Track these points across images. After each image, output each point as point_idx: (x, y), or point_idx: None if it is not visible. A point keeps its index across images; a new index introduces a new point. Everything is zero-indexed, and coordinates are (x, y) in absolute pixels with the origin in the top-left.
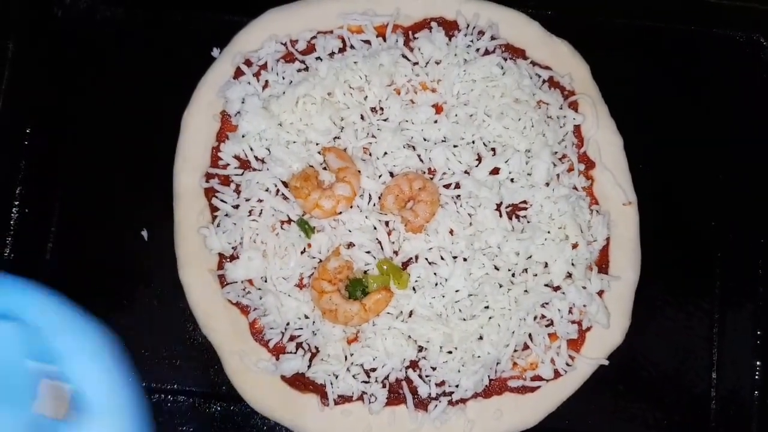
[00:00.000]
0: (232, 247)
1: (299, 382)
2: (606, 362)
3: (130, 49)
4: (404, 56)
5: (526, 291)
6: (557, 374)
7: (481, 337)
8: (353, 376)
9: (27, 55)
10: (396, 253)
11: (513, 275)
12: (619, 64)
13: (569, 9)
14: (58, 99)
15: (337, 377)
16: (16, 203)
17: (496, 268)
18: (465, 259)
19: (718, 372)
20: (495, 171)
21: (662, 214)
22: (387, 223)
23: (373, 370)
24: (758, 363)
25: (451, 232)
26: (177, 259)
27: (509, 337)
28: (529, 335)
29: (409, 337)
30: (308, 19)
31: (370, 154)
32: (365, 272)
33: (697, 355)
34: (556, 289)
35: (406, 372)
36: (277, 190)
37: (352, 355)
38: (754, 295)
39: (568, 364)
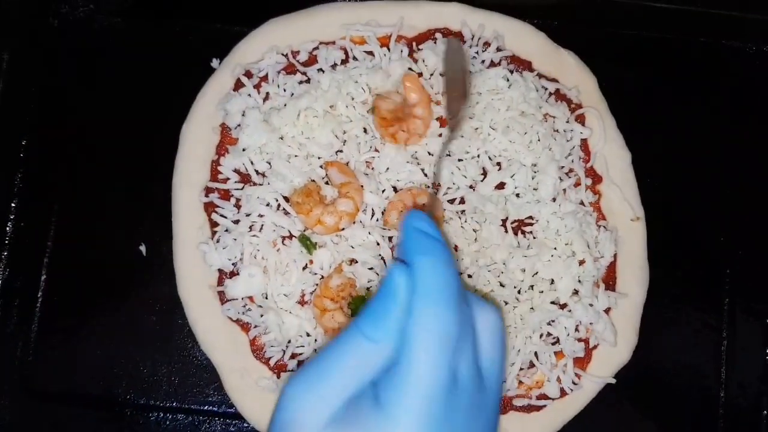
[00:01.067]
0: (232, 263)
1: None
2: (613, 381)
3: (128, 60)
4: (410, 69)
5: (532, 308)
6: (563, 393)
7: None
8: None
9: (22, 66)
10: None
11: (519, 292)
12: (627, 76)
13: (576, 20)
14: (54, 110)
15: None
16: (12, 217)
17: (502, 285)
18: (470, 276)
19: (726, 390)
20: (500, 186)
21: (670, 230)
22: (390, 239)
23: None
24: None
25: (456, 248)
26: (176, 275)
27: (515, 356)
28: (535, 353)
29: None
30: (310, 29)
31: (373, 169)
32: (368, 289)
33: (705, 373)
34: (563, 306)
35: None
36: (278, 205)
37: None
38: (763, 312)
39: (574, 383)
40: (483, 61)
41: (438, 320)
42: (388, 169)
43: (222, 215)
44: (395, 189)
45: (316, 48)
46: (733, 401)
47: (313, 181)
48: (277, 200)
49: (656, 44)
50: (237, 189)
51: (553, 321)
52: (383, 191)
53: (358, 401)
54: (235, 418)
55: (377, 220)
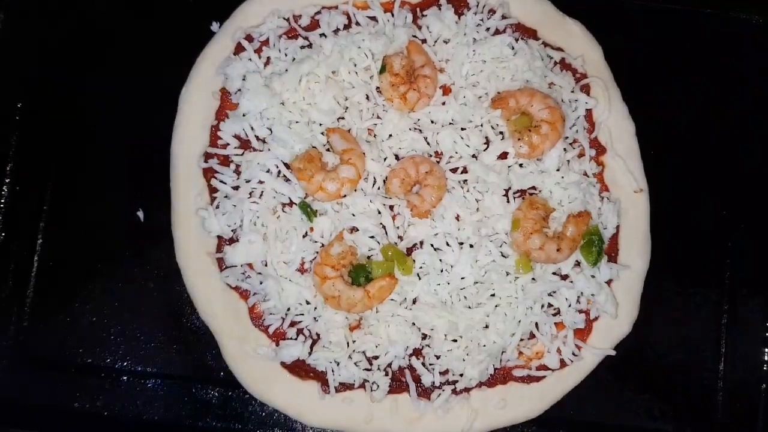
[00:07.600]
0: (232, 230)
1: (299, 368)
2: (613, 352)
3: (126, 22)
4: (414, 36)
5: (533, 279)
6: (563, 364)
7: (486, 326)
8: (355, 364)
9: (18, 28)
10: (401, 238)
11: None
12: (633, 46)
13: None
14: (50, 73)
15: (338, 364)
16: (7, 180)
17: (504, 255)
18: (471, 246)
19: (725, 364)
20: (503, 155)
21: (673, 203)
22: (392, 208)
23: (376, 357)
24: (767, 355)
25: (458, 217)
26: (174, 241)
27: (515, 326)
28: (536, 324)
29: (413, 324)
30: None
31: (375, 136)
32: (369, 258)
33: (705, 346)
34: (564, 277)
35: (409, 360)
36: (279, 172)
37: (354, 342)
38: (764, 286)
39: (574, 354)
40: (488, 29)
41: None
42: (390, 136)
43: (221, 181)
44: (397, 157)
45: (319, 12)
46: (732, 375)
47: (315, 147)
48: (277, 166)
49: (662, 15)
50: (237, 155)
51: (554, 292)
52: (385, 159)
53: None
54: (232, 385)
55: (379, 188)
